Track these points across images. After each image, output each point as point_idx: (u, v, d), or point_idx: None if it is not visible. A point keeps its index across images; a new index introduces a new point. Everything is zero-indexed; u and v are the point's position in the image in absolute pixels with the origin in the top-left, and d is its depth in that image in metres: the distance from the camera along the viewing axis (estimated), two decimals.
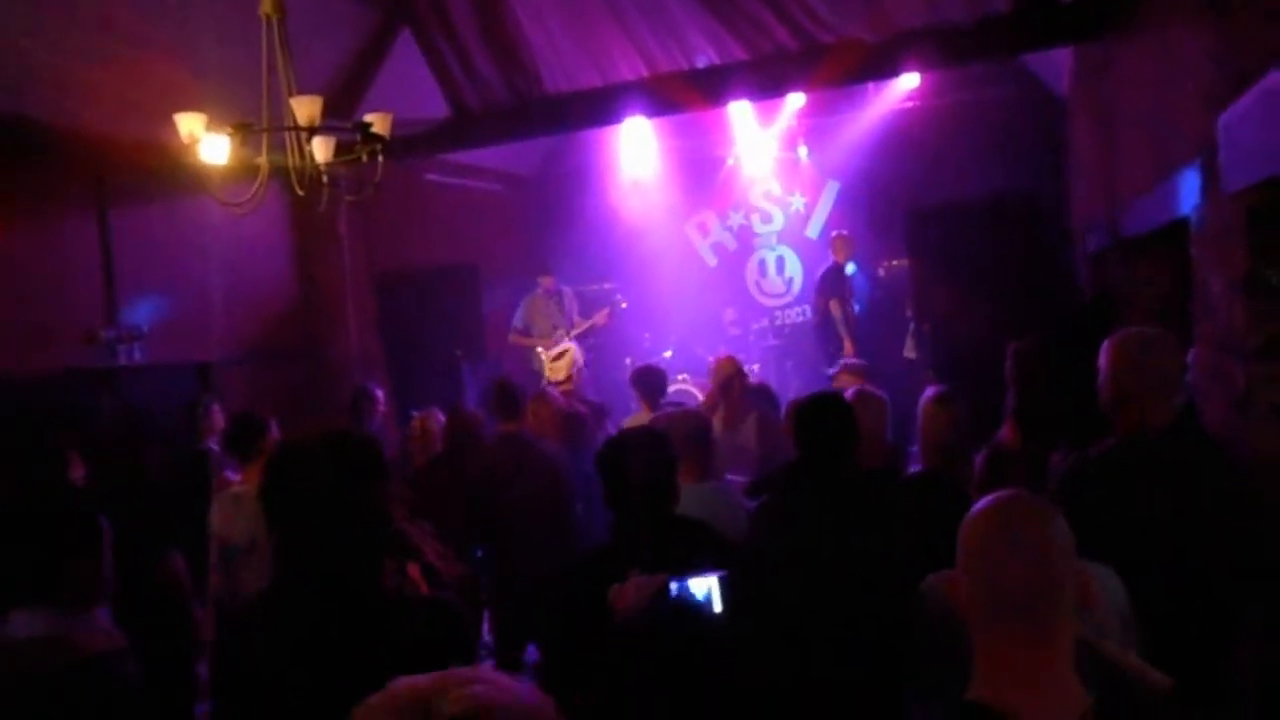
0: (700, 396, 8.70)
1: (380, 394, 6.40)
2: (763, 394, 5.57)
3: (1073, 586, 1.44)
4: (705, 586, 1.93)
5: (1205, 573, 2.61)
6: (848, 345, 8.52)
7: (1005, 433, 3.20)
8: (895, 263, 9.06)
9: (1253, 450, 2.97)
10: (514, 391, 4.84)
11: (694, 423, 3.66)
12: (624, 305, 9.64)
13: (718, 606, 1.96)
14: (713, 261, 10.87)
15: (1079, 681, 1.40)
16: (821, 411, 3.04)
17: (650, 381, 5.42)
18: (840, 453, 2.99)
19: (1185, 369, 3.50)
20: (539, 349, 8.79)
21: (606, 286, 10.29)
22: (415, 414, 5.59)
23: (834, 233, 9.15)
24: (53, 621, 2.02)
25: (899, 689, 2.57)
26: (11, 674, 1.96)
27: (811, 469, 2.99)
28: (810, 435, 3.01)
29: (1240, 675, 2.86)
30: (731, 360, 5.35)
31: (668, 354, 9.62)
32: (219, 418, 5.70)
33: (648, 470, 2.60)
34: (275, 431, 4.46)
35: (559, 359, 7.23)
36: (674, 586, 1.95)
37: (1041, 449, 2.79)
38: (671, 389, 7.95)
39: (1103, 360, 2.79)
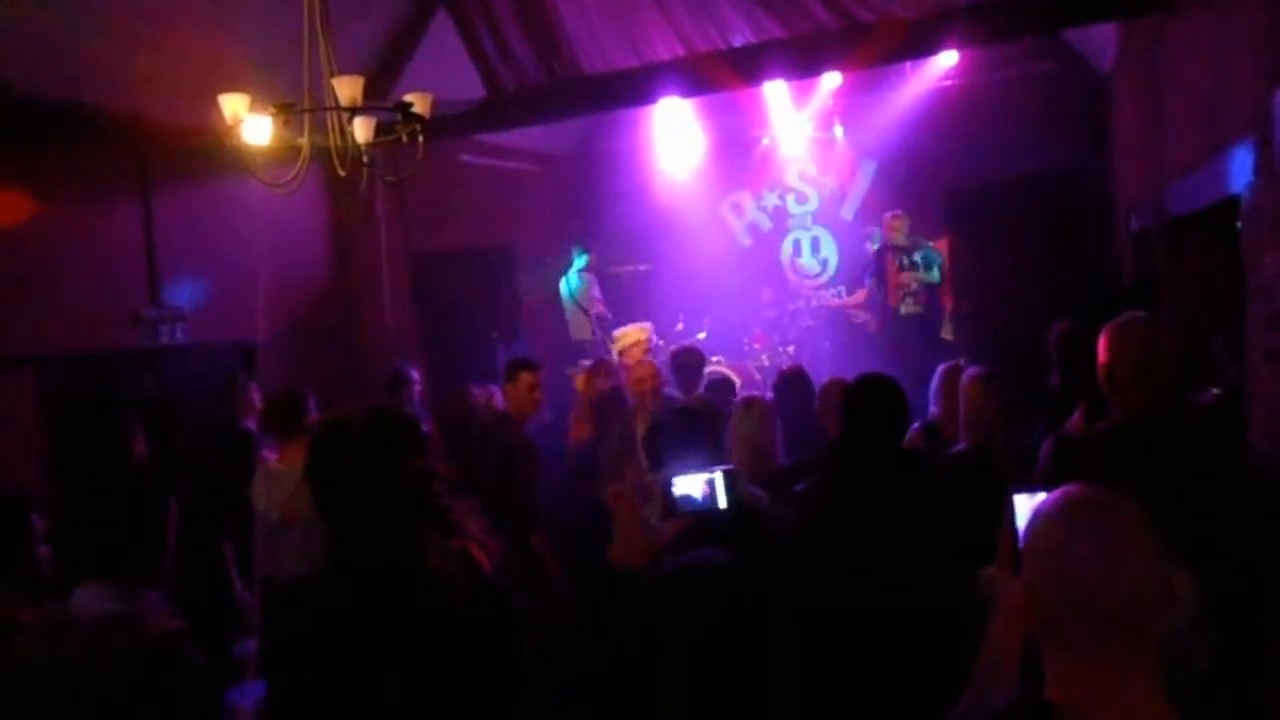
0: (736, 379, 8.69)
1: (416, 375, 6.44)
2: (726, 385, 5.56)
3: (1160, 589, 1.33)
4: (706, 480, 1.83)
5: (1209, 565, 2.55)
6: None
7: (1074, 421, 3.15)
8: (932, 243, 8.95)
9: None
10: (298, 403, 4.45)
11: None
12: (702, 336, 9.53)
13: (722, 503, 1.87)
14: (747, 242, 10.81)
15: (1163, 696, 1.31)
16: (873, 393, 3.02)
17: (689, 363, 5.41)
18: (891, 435, 2.98)
19: (1196, 356, 3.44)
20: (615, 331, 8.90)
21: (641, 268, 10.27)
22: (477, 390, 5.65)
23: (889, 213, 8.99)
24: (118, 600, 2.03)
25: (948, 676, 2.56)
26: (83, 651, 1.96)
27: (862, 451, 2.97)
28: (861, 416, 3.00)
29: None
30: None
31: (702, 335, 9.59)
32: (256, 397, 5.76)
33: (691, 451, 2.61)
34: (314, 409, 4.50)
35: (634, 344, 7.24)
36: (674, 481, 1.87)
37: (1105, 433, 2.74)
38: (706, 370, 7.94)
39: (1100, 346, 2.75)
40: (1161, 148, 5.26)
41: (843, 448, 3.21)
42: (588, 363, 6.85)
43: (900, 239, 8.61)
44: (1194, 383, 3.56)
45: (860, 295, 9.33)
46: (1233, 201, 3.63)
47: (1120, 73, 6.96)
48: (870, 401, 3.01)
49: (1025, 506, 1.56)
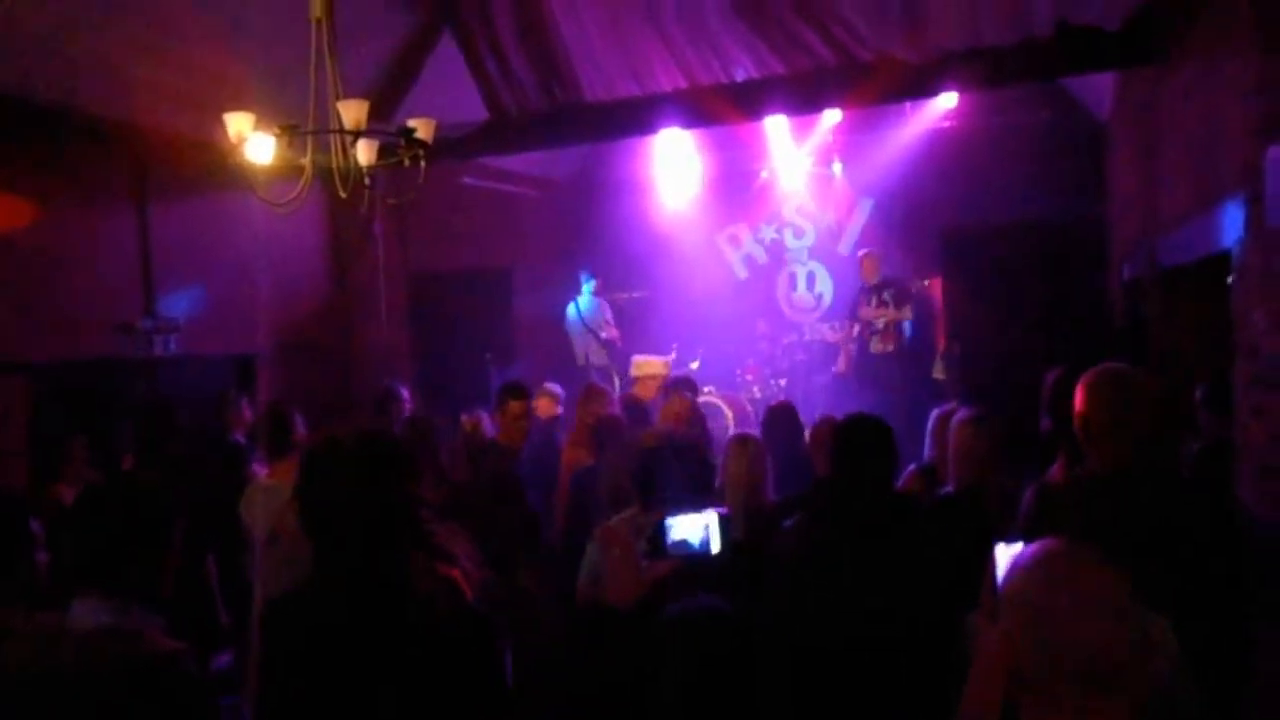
0: (727, 410, 8.72)
1: (406, 394, 6.45)
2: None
3: (1135, 644, 1.36)
4: (702, 524, 1.81)
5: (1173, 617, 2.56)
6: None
7: (1056, 470, 3.16)
8: (926, 282, 9.02)
9: None
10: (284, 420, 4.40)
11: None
12: (695, 365, 9.62)
13: (716, 546, 1.84)
14: (743, 274, 10.87)
15: None
16: (864, 433, 3.04)
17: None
18: (879, 474, 2.99)
19: (1172, 409, 3.46)
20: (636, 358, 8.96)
21: (637, 295, 10.32)
22: (464, 416, 5.64)
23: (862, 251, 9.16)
24: (116, 614, 1.98)
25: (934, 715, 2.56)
26: (81, 666, 1.92)
27: (851, 489, 2.99)
28: (851, 456, 3.02)
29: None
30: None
31: (695, 365, 9.63)
32: (246, 411, 5.76)
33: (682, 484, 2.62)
34: (302, 427, 4.50)
35: (650, 377, 7.24)
36: (669, 524, 1.84)
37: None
38: (699, 401, 7.95)
39: (1077, 396, 2.77)
40: (1155, 198, 5.32)
41: (831, 486, 3.23)
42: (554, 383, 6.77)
43: (871, 277, 8.71)
44: (1177, 434, 3.59)
45: (841, 333, 9.46)
46: (1223, 256, 3.67)
47: (1117, 122, 7.05)
48: (859, 441, 3.04)
49: (1005, 557, 1.57)
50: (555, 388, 5.89)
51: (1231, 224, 3.51)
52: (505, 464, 4.80)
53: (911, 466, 4.40)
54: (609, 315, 9.75)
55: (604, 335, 9.58)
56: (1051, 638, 1.36)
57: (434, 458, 4.67)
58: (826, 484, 3.37)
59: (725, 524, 1.77)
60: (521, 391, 4.97)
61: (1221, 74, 3.76)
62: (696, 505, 1.85)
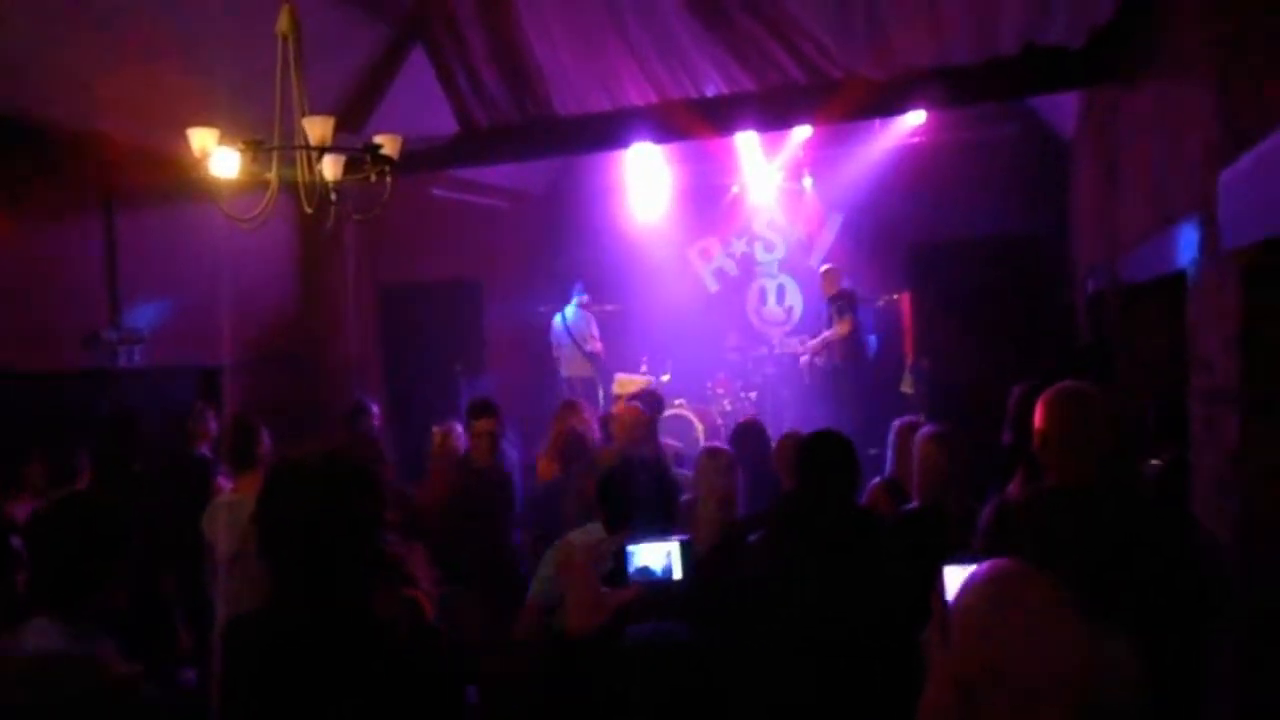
0: (697, 422, 8.74)
1: (376, 408, 6.42)
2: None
3: (1084, 664, 1.38)
4: (665, 552, 1.80)
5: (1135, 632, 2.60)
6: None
7: (1014, 487, 3.20)
8: (895, 297, 9.10)
9: (1245, 506, 2.98)
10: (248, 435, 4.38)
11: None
12: (666, 378, 9.68)
13: (678, 573, 1.83)
14: (714, 287, 10.92)
15: None
16: (827, 448, 3.07)
17: (650, 406, 5.44)
18: (842, 490, 3.02)
19: (1130, 426, 3.51)
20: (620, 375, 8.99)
21: (608, 308, 10.34)
22: (436, 428, 5.62)
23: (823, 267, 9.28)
24: (67, 638, 1.94)
25: None
26: (30, 694, 1.86)
27: (815, 504, 3.01)
28: (814, 472, 3.04)
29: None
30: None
31: (665, 378, 9.65)
32: (212, 424, 5.71)
33: (647, 494, 2.63)
34: (268, 440, 4.46)
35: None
36: (631, 551, 1.83)
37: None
38: (668, 413, 7.97)
39: (1036, 413, 2.81)
40: (1116, 216, 5.40)
41: (795, 501, 3.25)
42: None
43: (829, 291, 8.84)
44: (1136, 451, 3.63)
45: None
46: (1180, 275, 3.73)
47: (1080, 140, 7.16)
48: (822, 457, 3.06)
49: (957, 578, 1.60)
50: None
51: (1187, 244, 3.57)
52: (472, 479, 4.78)
53: (876, 480, 4.43)
54: (595, 329, 9.76)
55: (588, 348, 9.59)
56: (998, 655, 1.38)
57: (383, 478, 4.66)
58: (790, 499, 3.40)
59: (687, 551, 1.77)
60: (489, 411, 4.93)
61: (1179, 96, 3.83)
62: (660, 533, 1.84)
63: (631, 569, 1.78)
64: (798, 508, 3.16)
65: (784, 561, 3.02)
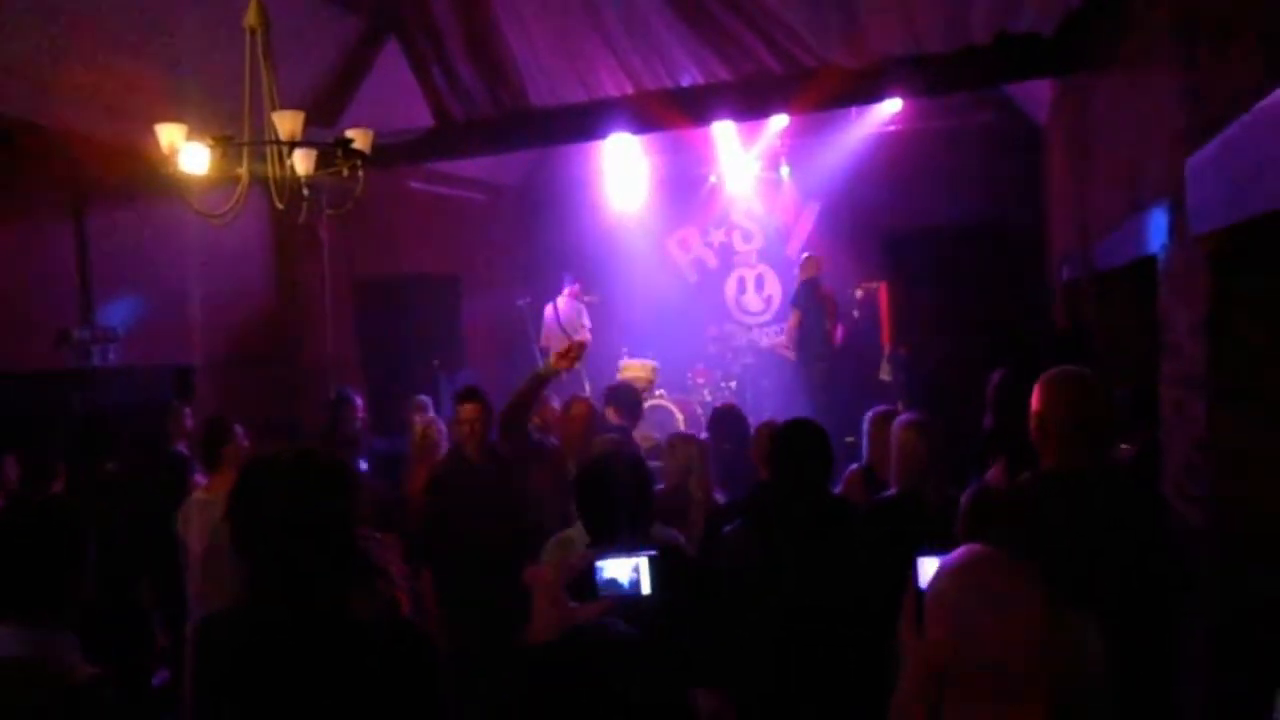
0: (677, 413, 8.76)
1: (360, 400, 6.38)
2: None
3: (1056, 645, 1.41)
4: (633, 566, 1.79)
5: (1126, 610, 2.65)
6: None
7: (994, 474, 3.22)
8: (873, 284, 9.14)
9: (1213, 491, 3.02)
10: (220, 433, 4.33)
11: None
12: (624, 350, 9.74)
13: (646, 589, 1.81)
14: (693, 278, 10.93)
15: None
16: (801, 437, 3.08)
17: (626, 398, 5.44)
18: (819, 478, 3.03)
19: (1119, 411, 3.55)
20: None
21: (587, 299, 10.32)
22: (417, 420, 5.59)
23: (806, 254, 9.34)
24: (27, 642, 1.92)
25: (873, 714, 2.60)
26: None
27: (791, 493, 3.02)
28: (789, 461, 3.05)
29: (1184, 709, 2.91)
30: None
31: (620, 365, 9.65)
32: (189, 422, 5.67)
33: (627, 494, 2.62)
34: (243, 438, 4.44)
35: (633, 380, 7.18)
36: (600, 565, 1.82)
37: None
38: (648, 404, 7.99)
39: (1034, 395, 2.84)
40: (1088, 202, 5.44)
41: (771, 490, 3.26)
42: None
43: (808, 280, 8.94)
44: (1114, 437, 3.67)
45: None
46: (1151, 261, 3.76)
47: (1053, 126, 7.20)
48: (797, 446, 3.07)
49: (932, 568, 1.61)
50: None
51: (1157, 230, 3.60)
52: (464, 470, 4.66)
53: (853, 467, 4.45)
54: (586, 319, 9.75)
55: (578, 339, 9.55)
56: (970, 640, 1.40)
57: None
58: (765, 488, 3.41)
59: (655, 566, 1.77)
60: (470, 396, 4.71)
61: (1147, 83, 3.85)
62: (629, 548, 1.84)
63: (600, 582, 1.78)
64: (774, 497, 3.17)
65: (760, 551, 3.03)
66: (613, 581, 1.80)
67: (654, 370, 7.56)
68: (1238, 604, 2.88)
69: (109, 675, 1.96)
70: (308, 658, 1.85)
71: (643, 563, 1.78)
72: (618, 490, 2.57)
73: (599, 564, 1.80)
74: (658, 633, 1.65)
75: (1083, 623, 2.21)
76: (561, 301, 9.69)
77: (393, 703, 1.87)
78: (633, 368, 7.52)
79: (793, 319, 8.79)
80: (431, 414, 5.89)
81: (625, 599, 1.75)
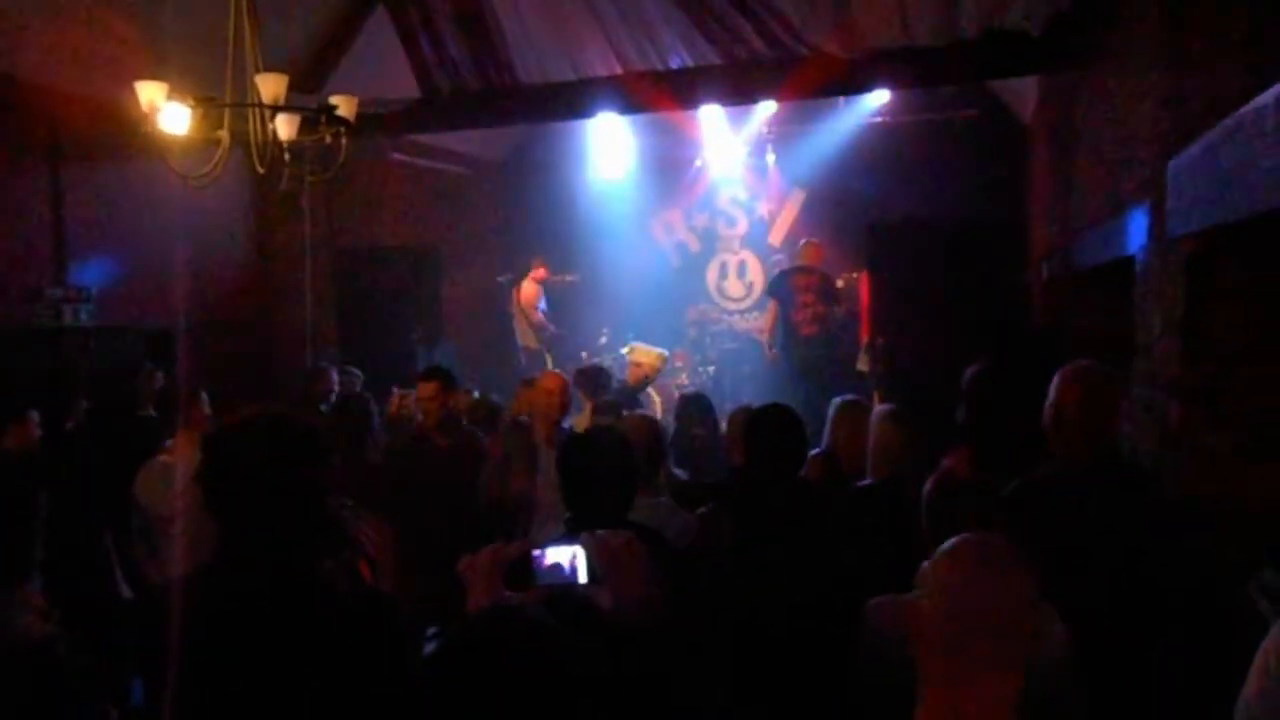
0: (655, 396, 8.76)
1: (335, 374, 6.33)
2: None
3: (1032, 625, 1.48)
4: (570, 555, 1.80)
5: (1129, 605, 2.70)
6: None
7: (952, 462, 3.24)
8: (855, 275, 9.16)
9: (1178, 488, 3.06)
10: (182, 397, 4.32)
11: (649, 431, 3.62)
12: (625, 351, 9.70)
13: (583, 576, 1.82)
14: (675, 261, 10.91)
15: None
16: (776, 423, 3.09)
17: (594, 380, 5.45)
18: (792, 464, 3.04)
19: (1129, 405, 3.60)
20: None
21: (568, 278, 10.30)
22: (396, 391, 5.57)
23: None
24: None
25: (842, 701, 2.62)
26: None
27: (768, 479, 3.03)
28: (764, 445, 3.05)
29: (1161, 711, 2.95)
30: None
31: (625, 350, 9.64)
32: (161, 385, 5.62)
33: (610, 472, 2.61)
34: (205, 404, 4.39)
35: (639, 365, 7.10)
36: (538, 554, 1.83)
37: (992, 478, 2.84)
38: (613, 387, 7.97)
39: (1052, 388, 2.87)
40: (1069, 201, 5.48)
41: (745, 474, 3.27)
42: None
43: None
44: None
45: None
46: (1129, 261, 3.80)
47: (1038, 125, 7.23)
48: (769, 432, 3.07)
49: None
50: None
51: (1137, 231, 3.63)
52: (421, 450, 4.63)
53: (814, 452, 4.46)
54: (542, 302, 9.76)
55: (533, 319, 9.60)
56: (966, 613, 1.45)
57: (363, 440, 4.52)
58: (740, 472, 3.42)
59: (589, 556, 1.77)
60: (432, 374, 4.61)
61: (1132, 85, 3.88)
62: (567, 539, 1.85)
63: (539, 570, 1.78)
64: (748, 482, 3.18)
65: (734, 535, 3.04)
66: (554, 567, 1.80)
67: (661, 359, 7.44)
68: (1205, 600, 2.93)
69: (62, 633, 1.95)
70: (277, 621, 1.85)
71: (579, 551, 1.79)
72: (599, 468, 2.56)
73: (536, 552, 1.80)
74: (593, 621, 1.66)
75: (1049, 610, 2.27)
76: (525, 284, 9.70)
77: (360, 668, 1.87)
78: (640, 352, 7.38)
79: (771, 309, 8.77)
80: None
81: (561, 587, 1.76)
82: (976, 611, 1.45)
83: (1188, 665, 2.87)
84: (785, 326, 8.60)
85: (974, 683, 1.43)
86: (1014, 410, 3.51)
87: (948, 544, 1.57)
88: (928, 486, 2.77)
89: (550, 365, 8.97)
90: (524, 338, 9.69)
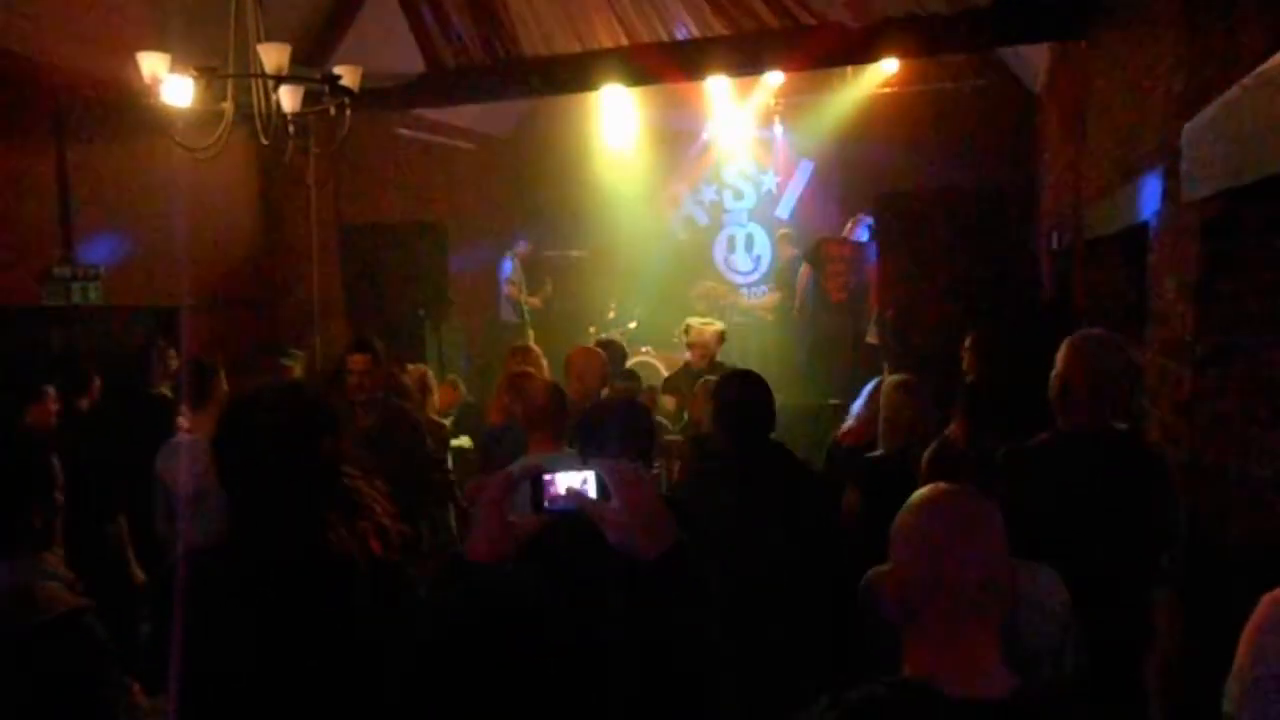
0: (663, 369, 8.75)
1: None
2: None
3: (1008, 579, 1.45)
4: (582, 479, 1.77)
5: (1126, 569, 2.70)
6: None
7: (954, 428, 3.24)
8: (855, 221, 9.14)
9: (1192, 454, 3.04)
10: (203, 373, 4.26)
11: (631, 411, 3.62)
12: (633, 325, 9.81)
13: (593, 495, 1.80)
14: (683, 235, 10.86)
15: (1005, 665, 1.42)
16: (745, 388, 3.06)
17: (610, 355, 5.44)
18: (762, 428, 3.02)
19: (1138, 373, 3.59)
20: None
21: (575, 253, 10.26)
22: (410, 367, 5.58)
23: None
24: (7, 573, 1.93)
25: (829, 666, 2.61)
26: None
27: (736, 444, 3.01)
28: (736, 411, 3.03)
29: (1147, 675, 2.96)
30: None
31: (633, 325, 9.63)
32: (173, 363, 5.61)
33: (624, 441, 2.60)
34: (224, 380, 4.39)
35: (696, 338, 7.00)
36: (548, 479, 1.81)
37: (988, 445, 2.83)
38: (634, 361, 7.97)
39: (1059, 356, 2.86)
40: (1081, 169, 5.42)
41: (709, 441, 3.26)
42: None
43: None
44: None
45: None
46: (1143, 228, 3.76)
47: (1048, 93, 7.15)
48: (733, 398, 3.04)
49: None
50: None
51: (1150, 196, 3.59)
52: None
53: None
54: (516, 276, 9.80)
55: (505, 291, 9.72)
56: (935, 563, 1.43)
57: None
58: (704, 439, 3.41)
59: (603, 482, 1.74)
60: (359, 346, 4.50)
61: (1145, 50, 3.82)
62: (578, 464, 1.83)
63: (548, 495, 1.76)
64: (712, 448, 3.16)
65: (704, 495, 3.01)
66: (559, 495, 1.77)
67: (723, 333, 7.22)
68: (1209, 563, 2.92)
69: (90, 603, 1.97)
70: (292, 591, 1.85)
71: (590, 475, 1.75)
72: (613, 426, 2.56)
73: (547, 477, 1.78)
74: (603, 548, 1.65)
75: (1032, 572, 2.27)
76: (508, 258, 9.85)
77: (373, 637, 1.87)
78: (696, 331, 7.13)
79: (804, 272, 8.84)
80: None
81: (569, 512, 1.73)
82: (950, 563, 1.43)
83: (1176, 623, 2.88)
84: (816, 291, 8.65)
85: (957, 633, 1.41)
86: (1016, 376, 3.51)
87: (917, 498, 1.54)
88: (927, 454, 2.77)
89: (530, 337, 8.91)
90: (505, 312, 9.89)
